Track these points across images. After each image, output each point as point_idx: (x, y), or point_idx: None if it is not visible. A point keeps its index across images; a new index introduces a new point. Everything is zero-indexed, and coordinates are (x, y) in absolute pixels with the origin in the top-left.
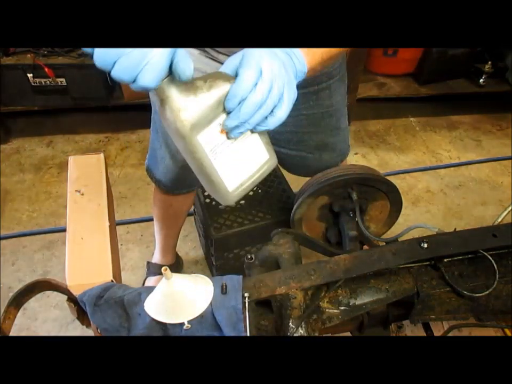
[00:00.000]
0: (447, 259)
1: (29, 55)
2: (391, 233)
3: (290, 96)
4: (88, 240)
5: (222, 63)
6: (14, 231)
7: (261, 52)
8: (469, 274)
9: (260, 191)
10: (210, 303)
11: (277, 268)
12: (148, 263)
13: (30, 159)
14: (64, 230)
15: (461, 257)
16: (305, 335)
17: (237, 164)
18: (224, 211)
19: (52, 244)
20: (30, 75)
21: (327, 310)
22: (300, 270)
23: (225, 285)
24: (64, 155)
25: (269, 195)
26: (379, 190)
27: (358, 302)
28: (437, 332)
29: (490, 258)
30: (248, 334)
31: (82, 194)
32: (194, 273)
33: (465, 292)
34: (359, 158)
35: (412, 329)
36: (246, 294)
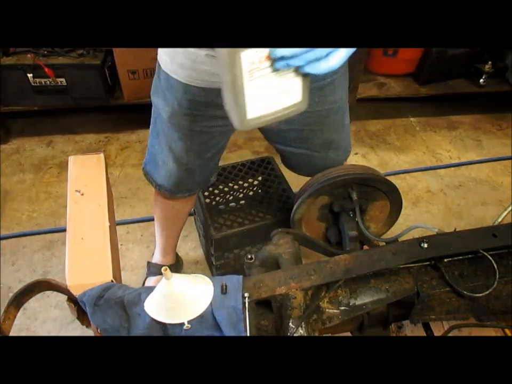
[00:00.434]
0: (447, 259)
1: (29, 55)
2: (391, 233)
3: (347, 50)
4: (88, 240)
5: None
6: (14, 231)
7: None
8: (469, 274)
9: (260, 191)
10: (210, 303)
11: (277, 268)
12: (148, 263)
13: (30, 159)
14: (64, 230)
15: (461, 257)
16: (305, 335)
17: (267, 96)
18: (224, 211)
19: (51, 244)
20: (30, 75)
21: (327, 310)
22: (300, 270)
23: (225, 285)
24: (64, 155)
25: (269, 195)
26: (379, 190)
27: (358, 302)
28: (437, 332)
29: (490, 258)
30: (248, 334)
31: (82, 194)
32: (194, 273)
33: (465, 292)
34: (359, 158)
35: (411, 329)
36: (246, 294)
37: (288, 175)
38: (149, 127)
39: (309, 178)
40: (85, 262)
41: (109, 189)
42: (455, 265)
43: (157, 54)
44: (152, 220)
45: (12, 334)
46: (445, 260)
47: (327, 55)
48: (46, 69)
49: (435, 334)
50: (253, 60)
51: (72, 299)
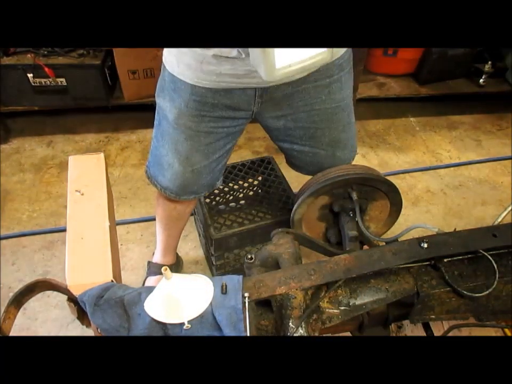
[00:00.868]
0: (447, 259)
1: (29, 55)
2: (391, 233)
3: None
4: (88, 240)
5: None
6: (14, 231)
7: None
8: (469, 274)
9: (260, 191)
10: (210, 303)
11: (277, 268)
12: (149, 262)
13: (30, 159)
14: (64, 230)
15: (461, 257)
16: (305, 335)
17: None
18: (224, 211)
19: (51, 244)
20: (30, 75)
21: (327, 310)
22: (300, 270)
23: (225, 285)
24: (64, 155)
25: (269, 195)
26: (379, 190)
27: (358, 302)
28: (437, 332)
29: (490, 258)
30: (248, 334)
31: (82, 194)
32: (194, 273)
33: (465, 292)
34: (359, 158)
35: (412, 329)
36: (246, 294)
37: (288, 175)
38: (149, 127)
39: (309, 178)
40: (85, 262)
41: (109, 189)
42: (455, 265)
43: (156, 54)
44: (152, 219)
45: (12, 334)
46: (445, 260)
47: None
48: (46, 69)
49: (435, 334)
50: None
51: (72, 299)
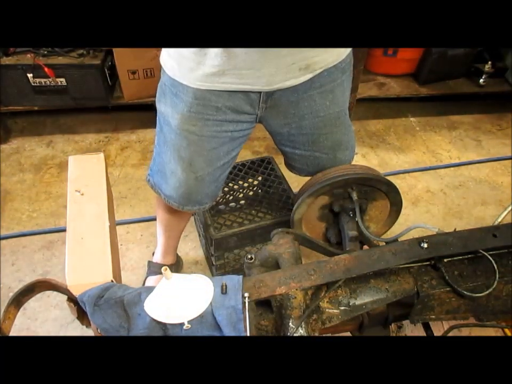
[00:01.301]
0: (447, 259)
1: (29, 55)
2: (391, 233)
3: None
4: (88, 240)
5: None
6: (14, 231)
7: None
8: (469, 274)
9: (260, 191)
10: (210, 303)
11: (277, 268)
12: (149, 262)
13: (30, 159)
14: (64, 230)
15: (461, 257)
16: (305, 335)
17: None
18: (224, 211)
19: (51, 244)
20: (30, 75)
21: (327, 310)
22: (300, 270)
23: (225, 285)
24: (64, 155)
25: (269, 195)
26: (379, 190)
27: (358, 302)
28: (437, 332)
29: (490, 258)
30: (248, 334)
31: (82, 194)
32: (194, 273)
33: (465, 292)
34: (359, 158)
35: (411, 329)
36: (246, 294)
37: (288, 175)
38: (149, 127)
39: (309, 178)
40: (85, 262)
41: (109, 189)
42: (455, 265)
43: (156, 54)
44: (152, 219)
45: (12, 334)
46: (445, 260)
47: None
48: (46, 69)
49: (435, 334)
50: None
51: (72, 299)
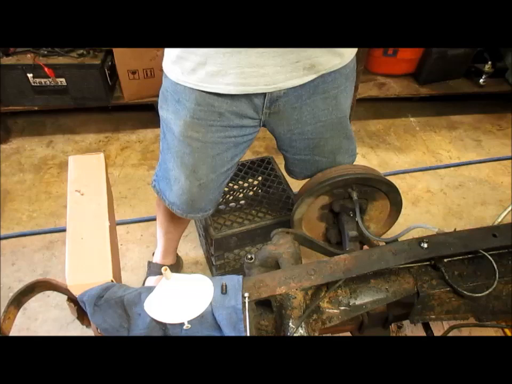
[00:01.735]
0: (447, 259)
1: (29, 55)
2: (391, 233)
3: None
4: (88, 240)
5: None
6: (14, 231)
7: None
8: (469, 274)
9: (260, 191)
10: (210, 303)
11: (277, 268)
12: (149, 262)
13: (30, 159)
14: (64, 230)
15: (461, 257)
16: (305, 335)
17: None
18: (224, 211)
19: (51, 244)
20: (30, 75)
21: (327, 310)
22: (300, 270)
23: (225, 285)
24: (64, 155)
25: (269, 195)
26: (379, 190)
27: (358, 302)
28: (437, 332)
29: (490, 258)
30: (248, 334)
31: (82, 194)
32: (194, 273)
33: (465, 292)
34: (359, 158)
35: (411, 329)
36: (246, 294)
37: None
38: (149, 127)
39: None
40: (85, 262)
41: (109, 189)
42: (455, 265)
43: (156, 54)
44: (152, 219)
45: (12, 334)
46: (445, 260)
47: None
48: (46, 69)
49: (435, 334)
50: None
51: (72, 299)
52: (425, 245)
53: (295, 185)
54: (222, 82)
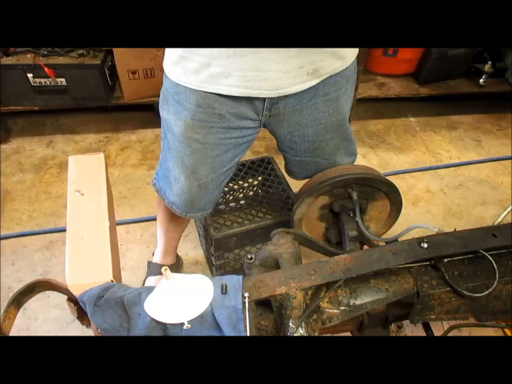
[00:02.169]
0: (447, 259)
1: (29, 55)
2: (391, 233)
3: None
4: (88, 240)
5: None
6: (14, 231)
7: None
8: (469, 274)
9: (260, 191)
10: (210, 303)
11: (277, 268)
12: (149, 262)
13: (30, 159)
14: (64, 230)
15: (461, 257)
16: (305, 335)
17: None
18: (224, 211)
19: (51, 244)
20: (30, 75)
21: (327, 310)
22: (300, 270)
23: (225, 285)
24: (64, 155)
25: (269, 195)
26: (379, 190)
27: (358, 302)
28: (437, 332)
29: (490, 258)
30: (248, 334)
31: (82, 194)
32: (194, 273)
33: (465, 292)
34: (359, 158)
35: (411, 329)
36: (246, 294)
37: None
38: (149, 127)
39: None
40: (85, 262)
41: (109, 188)
42: (455, 265)
43: (156, 54)
44: (152, 219)
45: (12, 334)
46: (445, 260)
47: None
48: (46, 69)
49: (435, 334)
50: None
51: (72, 299)
52: (425, 245)
53: (295, 185)
54: (224, 84)
